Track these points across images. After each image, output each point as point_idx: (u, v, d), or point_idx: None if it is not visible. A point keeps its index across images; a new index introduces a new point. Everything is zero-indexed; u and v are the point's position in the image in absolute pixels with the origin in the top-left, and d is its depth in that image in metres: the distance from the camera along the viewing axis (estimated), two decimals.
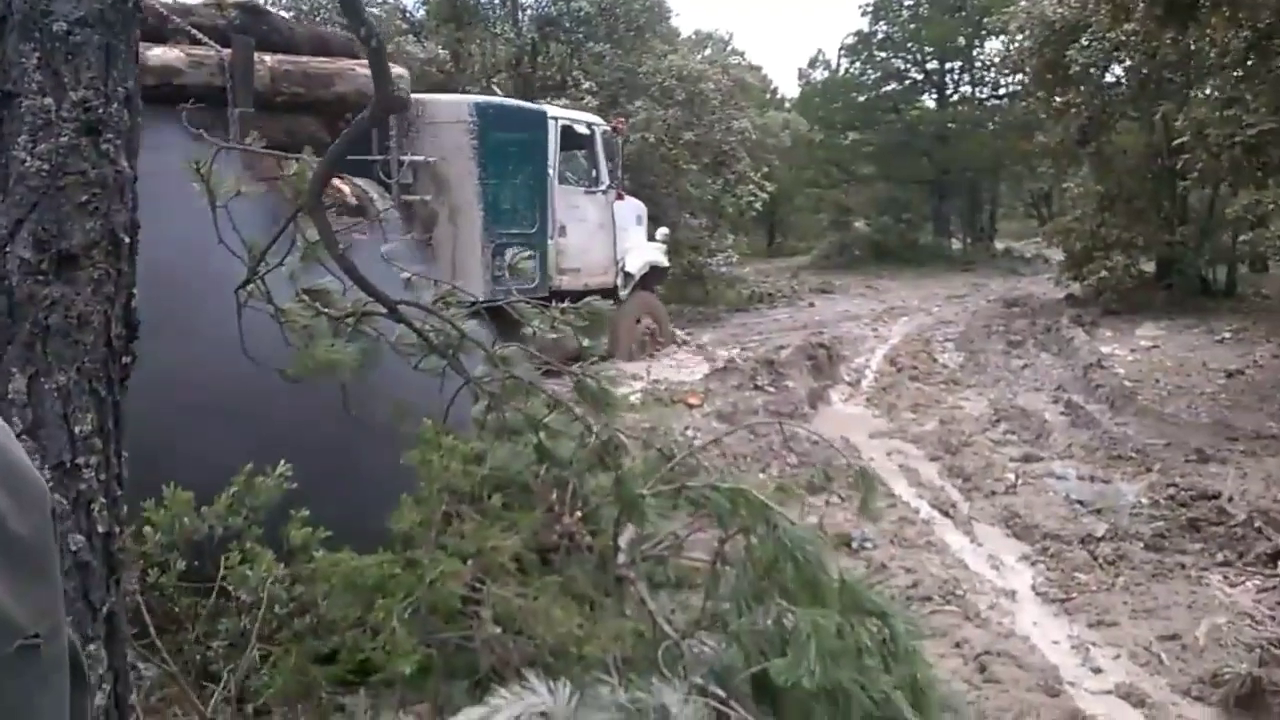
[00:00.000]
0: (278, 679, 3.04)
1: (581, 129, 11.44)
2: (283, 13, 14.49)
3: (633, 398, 8.99)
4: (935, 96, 32.49)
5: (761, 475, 6.63)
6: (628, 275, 12.06)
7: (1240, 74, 10.99)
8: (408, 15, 21.24)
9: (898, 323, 17.15)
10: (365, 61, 9.28)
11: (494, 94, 13.83)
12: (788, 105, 37.27)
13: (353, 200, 8.30)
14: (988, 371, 12.03)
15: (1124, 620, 4.85)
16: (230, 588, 3.11)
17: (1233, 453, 7.57)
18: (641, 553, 3.79)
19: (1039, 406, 9.96)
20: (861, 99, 32.57)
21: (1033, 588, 5.40)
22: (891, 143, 31.58)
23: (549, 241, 10.65)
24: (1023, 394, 10.71)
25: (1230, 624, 4.43)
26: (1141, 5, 9.89)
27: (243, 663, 2.89)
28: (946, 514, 6.72)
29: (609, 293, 11.43)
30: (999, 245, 30.74)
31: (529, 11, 20.89)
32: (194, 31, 6.61)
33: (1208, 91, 11.96)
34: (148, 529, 3.17)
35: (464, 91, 14.24)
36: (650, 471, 3.83)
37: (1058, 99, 16.89)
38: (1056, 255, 19.17)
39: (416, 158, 9.44)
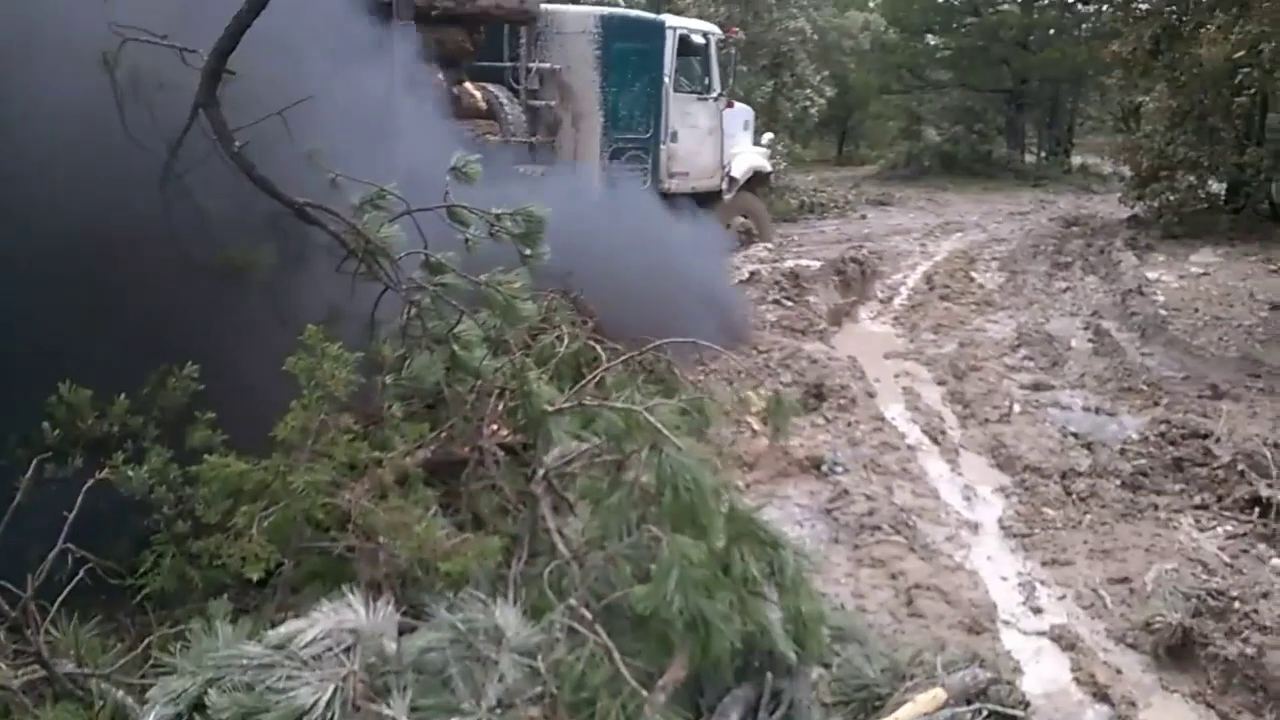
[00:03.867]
0: (155, 580, 3.09)
1: (698, 38, 11.71)
2: None
3: None
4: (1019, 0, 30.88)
5: (749, 393, 6.49)
6: (732, 180, 12.41)
7: None
8: None
9: (949, 239, 16.64)
10: None
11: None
12: (872, 5, 35.89)
13: (483, 104, 9.31)
14: (1024, 293, 11.63)
15: (1080, 560, 4.70)
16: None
17: (1249, 389, 7.24)
18: (554, 469, 3.75)
19: (1067, 332, 9.62)
20: (940, 0, 31.17)
21: (999, 521, 5.25)
22: (969, 47, 30.30)
23: (661, 147, 11.13)
24: (1055, 319, 10.36)
25: (1177, 570, 4.25)
26: None
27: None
28: (935, 440, 6.55)
29: (714, 195, 12.08)
30: (1075, 160, 29.47)
31: None
32: None
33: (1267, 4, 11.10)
34: (45, 425, 3.20)
35: None
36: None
37: (1138, 4, 15.94)
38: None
39: (544, 65, 10.12)
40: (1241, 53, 11.09)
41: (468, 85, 9.25)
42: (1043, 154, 30.99)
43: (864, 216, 19.08)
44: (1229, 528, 4.92)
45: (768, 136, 14.32)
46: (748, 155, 12.84)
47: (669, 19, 11.91)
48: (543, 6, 10.07)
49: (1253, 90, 12.08)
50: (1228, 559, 4.55)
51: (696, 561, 2.94)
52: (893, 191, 23.36)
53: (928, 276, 12.60)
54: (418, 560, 3.02)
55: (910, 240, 16.17)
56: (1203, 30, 14.11)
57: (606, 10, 11.50)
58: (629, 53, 10.66)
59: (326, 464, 3.15)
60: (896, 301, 11.59)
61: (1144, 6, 16.03)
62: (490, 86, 9.55)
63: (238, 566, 2.88)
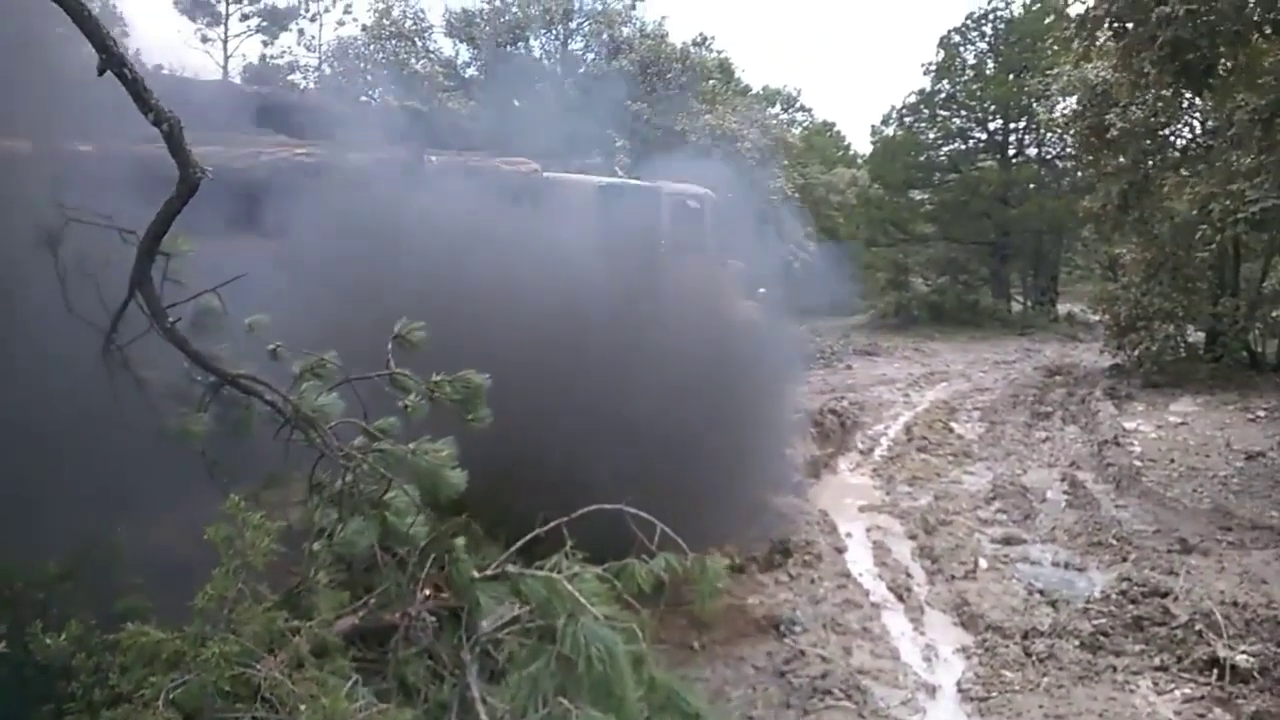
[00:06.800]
0: None
1: (693, 202, 12.36)
2: None
3: None
4: (997, 156, 31.94)
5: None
6: None
7: (1250, 149, 10.58)
8: (457, 71, 21.76)
9: (933, 389, 16.77)
10: (511, 158, 10.48)
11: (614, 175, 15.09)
12: (860, 162, 37.07)
13: None
14: (1002, 444, 11.66)
15: None
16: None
17: (1219, 543, 7.19)
18: (486, 636, 3.72)
19: (1043, 484, 9.61)
20: (921, 158, 32.28)
21: (958, 684, 5.15)
22: (951, 202, 31.21)
23: None
24: (1032, 470, 10.35)
25: None
26: (1151, 72, 9.59)
27: None
28: (900, 598, 6.48)
29: None
30: (1062, 308, 29.95)
31: (580, 69, 21.33)
32: None
33: (1218, 164, 11.53)
34: None
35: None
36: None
37: (1107, 164, 16.48)
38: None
39: None
40: (1195, 211, 11.43)
41: None
42: (1029, 303, 31.47)
43: (849, 367, 19.23)
44: (1187, 690, 4.83)
45: (761, 290, 14.82)
46: (743, 309, 13.27)
47: (664, 185, 12.47)
48: (545, 175, 10.58)
49: (1211, 245, 12.40)
50: None
51: None
52: (880, 341, 23.64)
53: (908, 427, 12.64)
54: None
55: (895, 390, 16.28)
56: (1164, 188, 14.64)
57: (605, 179, 12.20)
58: (625, 216, 11.03)
59: (245, 632, 3.14)
60: (877, 452, 11.59)
61: (1118, 162, 16.52)
62: None
63: None
